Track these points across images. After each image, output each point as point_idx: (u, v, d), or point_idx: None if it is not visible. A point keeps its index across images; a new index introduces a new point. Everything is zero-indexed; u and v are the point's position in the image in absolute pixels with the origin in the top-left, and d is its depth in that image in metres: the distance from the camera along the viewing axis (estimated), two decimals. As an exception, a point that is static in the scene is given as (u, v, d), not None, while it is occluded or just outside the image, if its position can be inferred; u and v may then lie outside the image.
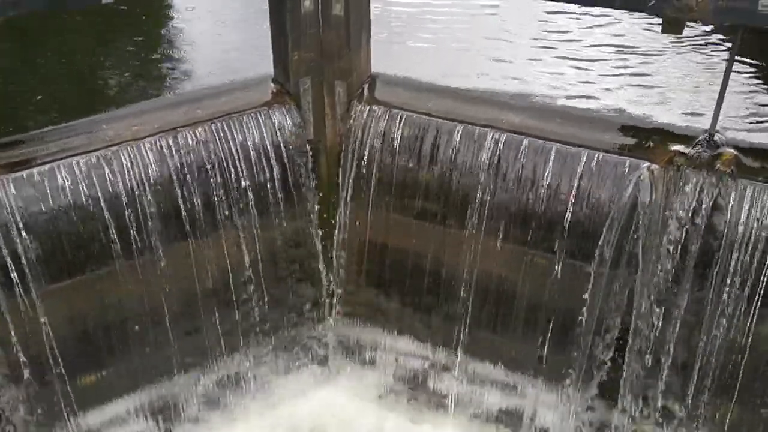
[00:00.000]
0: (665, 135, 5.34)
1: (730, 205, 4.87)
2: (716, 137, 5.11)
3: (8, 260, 5.04)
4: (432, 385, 6.55)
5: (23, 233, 5.05)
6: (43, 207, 5.14)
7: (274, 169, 6.08)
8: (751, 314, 4.97)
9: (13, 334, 5.22)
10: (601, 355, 5.61)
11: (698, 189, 4.94)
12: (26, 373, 5.35)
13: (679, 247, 5.05)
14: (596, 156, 5.31)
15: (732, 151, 5.01)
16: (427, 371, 6.56)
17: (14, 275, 5.09)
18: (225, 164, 5.83)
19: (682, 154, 5.08)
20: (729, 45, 6.83)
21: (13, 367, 5.29)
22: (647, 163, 5.13)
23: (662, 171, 5.09)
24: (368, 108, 6.16)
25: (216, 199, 5.83)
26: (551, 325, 5.76)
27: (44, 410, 5.55)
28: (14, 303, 5.16)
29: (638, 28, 7.68)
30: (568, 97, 6.09)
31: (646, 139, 5.32)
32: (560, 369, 5.83)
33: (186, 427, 6.34)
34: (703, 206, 4.93)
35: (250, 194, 5.97)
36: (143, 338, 5.85)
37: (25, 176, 5.09)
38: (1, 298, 5.10)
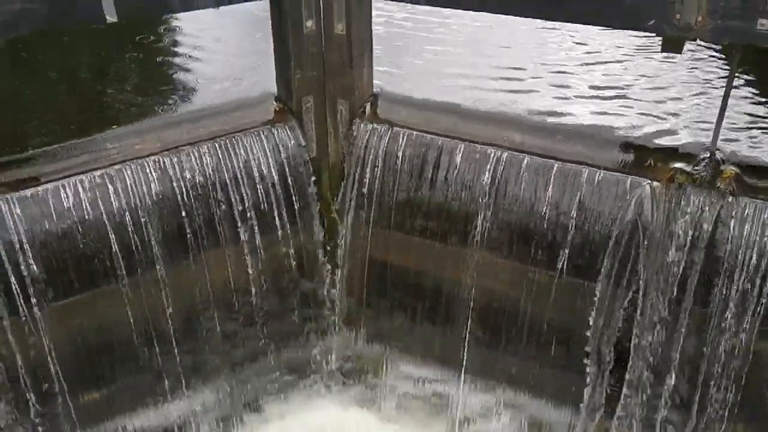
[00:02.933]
0: (666, 152, 5.35)
1: (732, 222, 4.88)
2: (717, 154, 5.13)
3: (12, 278, 5.05)
4: (434, 402, 6.53)
5: (27, 251, 5.07)
6: (47, 225, 5.16)
7: (277, 187, 6.10)
8: (753, 333, 4.96)
9: (15, 351, 5.22)
10: (603, 374, 5.60)
11: (700, 207, 4.95)
12: (28, 391, 5.35)
13: (681, 265, 5.05)
14: (597, 173, 5.33)
15: (733, 168, 5.02)
16: (430, 388, 6.54)
17: (17, 293, 5.10)
18: (228, 182, 5.85)
19: (683, 171, 5.09)
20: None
21: (14, 385, 5.29)
22: (648, 181, 5.15)
23: (663, 189, 5.10)
24: (370, 126, 6.19)
25: (219, 217, 5.85)
26: (553, 343, 5.75)
27: (46, 428, 5.53)
28: (17, 321, 5.16)
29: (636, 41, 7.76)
30: (568, 114, 6.10)
31: (648, 156, 5.33)
32: (562, 387, 5.82)
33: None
34: (705, 224, 4.93)
35: (253, 212, 5.99)
36: (146, 356, 5.84)
37: (29, 195, 5.11)
38: (4, 316, 5.11)
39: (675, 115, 6.07)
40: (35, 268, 5.12)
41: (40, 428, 5.48)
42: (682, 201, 5.00)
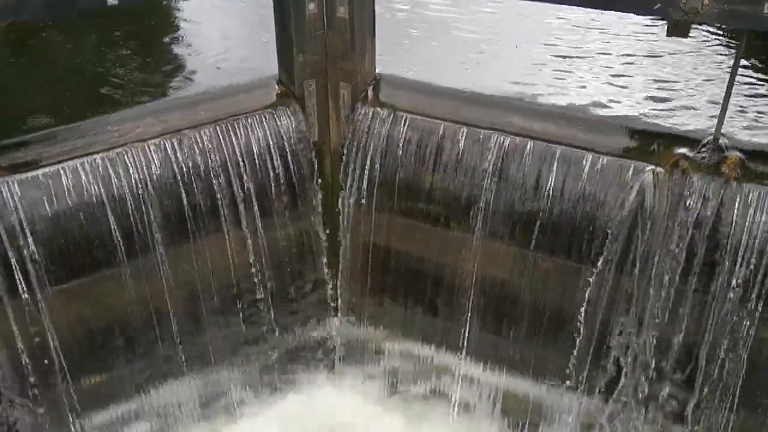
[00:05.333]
0: (670, 138, 5.32)
1: (735, 209, 4.85)
2: (721, 141, 5.09)
3: (13, 262, 5.05)
4: (435, 386, 6.55)
5: (28, 235, 5.07)
6: (47, 208, 5.15)
7: (279, 170, 6.09)
8: (754, 319, 4.94)
9: (17, 335, 5.23)
10: (603, 360, 5.60)
11: (703, 193, 4.92)
12: (30, 375, 5.36)
13: (684, 251, 5.03)
14: (600, 159, 5.30)
15: (737, 154, 4.98)
16: (431, 373, 6.55)
17: (19, 277, 5.10)
18: (229, 166, 5.84)
19: (686, 157, 5.06)
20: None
21: (16, 368, 5.30)
22: (652, 167, 5.12)
23: (667, 174, 5.07)
24: (372, 110, 6.16)
25: (220, 200, 5.84)
26: (554, 328, 5.75)
27: (48, 412, 5.55)
28: (18, 304, 5.17)
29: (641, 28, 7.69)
30: (572, 100, 6.06)
31: (651, 142, 5.29)
32: (561, 372, 5.82)
33: (189, 428, 6.34)
34: (708, 210, 4.91)
35: (254, 196, 5.98)
36: (147, 340, 5.85)
37: (30, 178, 5.11)
38: (5, 300, 5.11)
39: (679, 100, 6.03)
40: (36, 251, 5.12)
41: (41, 410, 5.50)
42: (686, 187, 4.98)
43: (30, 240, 5.08)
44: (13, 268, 5.07)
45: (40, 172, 5.14)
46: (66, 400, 5.59)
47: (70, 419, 5.67)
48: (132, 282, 5.62)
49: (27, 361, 5.32)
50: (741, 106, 5.81)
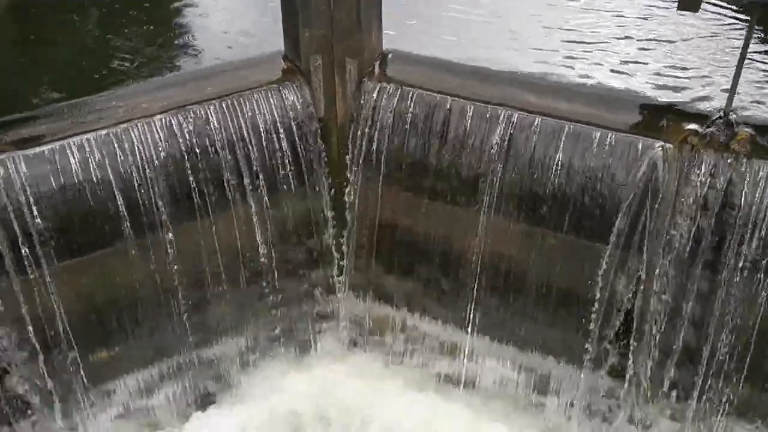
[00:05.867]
0: (680, 114, 5.25)
1: (745, 185, 4.81)
2: (732, 116, 5.03)
3: (19, 237, 5.06)
4: (441, 362, 6.56)
5: (34, 211, 5.07)
6: (53, 184, 5.15)
7: (285, 146, 6.06)
8: (763, 296, 4.92)
9: (25, 310, 5.25)
10: (612, 335, 5.60)
11: (713, 169, 4.88)
12: (39, 349, 5.39)
13: (693, 227, 5.00)
14: (609, 135, 5.26)
15: (748, 130, 4.93)
16: (437, 349, 6.57)
17: (25, 252, 5.11)
18: (235, 142, 5.82)
19: (696, 133, 5.01)
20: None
21: (25, 344, 5.33)
22: (661, 143, 5.07)
23: (676, 150, 5.03)
24: (379, 86, 6.11)
25: (226, 177, 5.82)
26: (562, 304, 5.74)
27: (57, 386, 5.59)
28: (26, 279, 5.19)
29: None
30: (581, 75, 6.00)
31: (660, 118, 5.24)
32: (569, 348, 5.82)
33: (194, 402, 6.38)
34: (718, 186, 4.87)
35: (260, 172, 5.96)
36: (153, 315, 5.88)
37: (35, 154, 5.10)
38: (12, 275, 5.13)
39: (689, 76, 5.95)
40: (43, 227, 5.12)
41: (49, 385, 5.53)
42: (695, 163, 4.93)
43: (36, 216, 5.08)
44: (20, 243, 5.08)
45: (45, 147, 5.13)
46: (74, 374, 5.62)
47: (79, 392, 5.71)
48: (138, 258, 5.62)
49: (35, 335, 5.35)
50: (752, 82, 5.73)
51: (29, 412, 5.55)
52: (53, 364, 5.52)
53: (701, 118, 5.13)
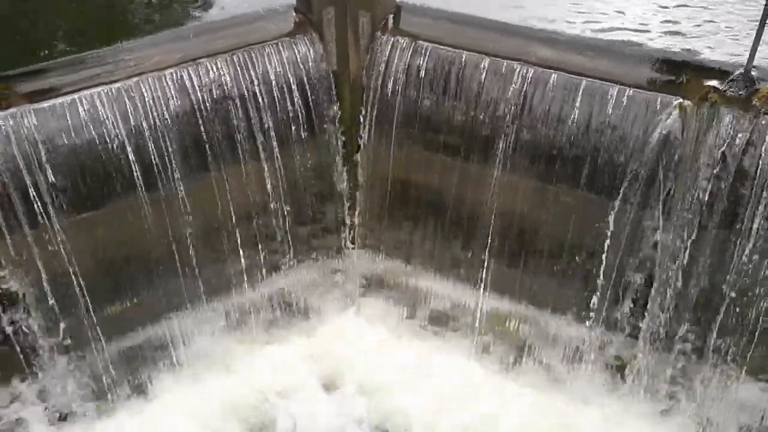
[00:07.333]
0: (699, 70, 5.17)
1: (765, 142, 4.73)
2: (753, 72, 4.93)
3: (31, 191, 5.05)
4: (454, 318, 6.58)
5: (45, 164, 5.05)
6: (64, 138, 5.13)
7: (297, 100, 6.02)
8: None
9: (39, 264, 5.27)
10: (625, 293, 5.59)
11: (732, 126, 4.80)
12: (53, 302, 5.43)
13: (710, 185, 4.94)
14: (627, 92, 5.18)
15: (769, 87, 4.84)
16: (448, 305, 6.58)
17: (38, 205, 5.11)
18: (246, 96, 5.77)
19: (716, 90, 4.92)
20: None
21: (39, 297, 5.36)
22: (680, 99, 5.00)
23: (695, 107, 4.95)
24: (392, 39, 6.03)
25: (238, 131, 5.78)
26: (575, 262, 5.72)
27: (71, 338, 5.64)
28: (38, 233, 5.19)
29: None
30: (599, 30, 5.88)
31: (679, 74, 5.15)
32: (581, 306, 5.82)
33: (208, 355, 6.43)
34: (737, 143, 4.79)
35: (272, 127, 5.92)
36: (166, 269, 5.89)
37: (46, 107, 5.06)
38: (26, 229, 5.14)
39: (710, 31, 5.83)
40: (54, 180, 5.11)
41: (64, 336, 5.58)
42: (714, 120, 4.85)
43: (48, 169, 5.07)
44: (32, 196, 5.08)
45: (57, 101, 5.09)
46: (89, 328, 5.66)
47: (93, 345, 5.76)
48: (150, 213, 5.62)
49: (49, 288, 5.38)
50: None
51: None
52: (66, 315, 5.53)
53: (721, 74, 5.02)
